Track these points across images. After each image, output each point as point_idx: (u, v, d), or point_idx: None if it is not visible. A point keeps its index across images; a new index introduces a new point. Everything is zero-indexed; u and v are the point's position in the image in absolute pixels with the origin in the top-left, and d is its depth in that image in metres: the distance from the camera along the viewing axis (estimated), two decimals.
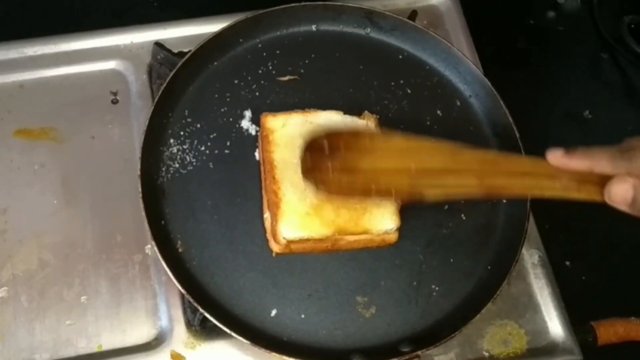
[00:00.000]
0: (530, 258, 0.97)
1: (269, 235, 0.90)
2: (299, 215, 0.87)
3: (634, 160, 0.66)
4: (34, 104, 1.02)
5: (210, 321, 0.83)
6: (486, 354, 0.91)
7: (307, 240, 0.87)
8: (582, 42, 1.25)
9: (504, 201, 0.95)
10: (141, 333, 0.90)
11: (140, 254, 0.93)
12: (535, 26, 1.25)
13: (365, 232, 0.88)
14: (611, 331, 0.93)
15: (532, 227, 0.99)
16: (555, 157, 0.71)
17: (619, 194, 0.67)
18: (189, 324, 0.90)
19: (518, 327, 0.93)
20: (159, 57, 1.03)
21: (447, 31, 1.12)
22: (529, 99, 1.18)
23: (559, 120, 1.18)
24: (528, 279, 0.96)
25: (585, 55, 1.25)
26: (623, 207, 0.68)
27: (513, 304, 0.94)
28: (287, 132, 0.92)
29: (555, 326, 0.94)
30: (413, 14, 1.10)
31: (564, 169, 0.72)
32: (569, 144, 1.14)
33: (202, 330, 0.89)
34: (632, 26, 1.22)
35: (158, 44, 1.04)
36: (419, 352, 0.84)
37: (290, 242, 0.87)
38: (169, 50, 1.03)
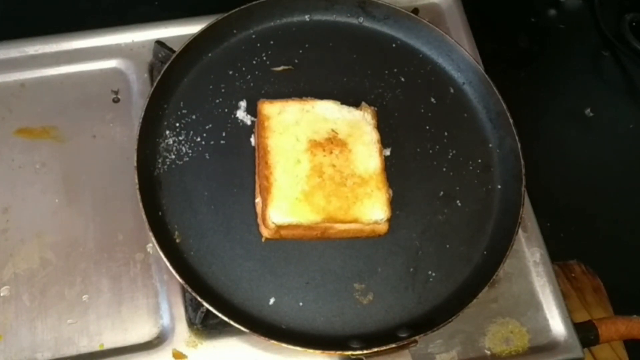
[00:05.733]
0: (532, 256, 0.97)
1: (259, 220, 0.90)
2: (288, 201, 0.87)
3: None
4: (35, 103, 1.02)
5: (212, 319, 0.83)
6: (488, 352, 0.91)
7: (297, 226, 0.87)
8: (583, 40, 1.25)
9: (499, 187, 0.95)
10: (143, 332, 0.90)
11: (142, 253, 0.93)
12: (537, 24, 1.25)
13: (355, 221, 0.88)
14: (613, 329, 0.93)
15: (533, 225, 0.99)
16: None
17: None
18: (190, 323, 0.90)
19: (520, 325, 0.93)
20: (160, 55, 1.03)
21: (448, 29, 1.11)
22: (530, 97, 1.18)
23: (560, 118, 1.18)
24: (530, 277, 0.96)
25: (586, 53, 1.25)
26: None
27: (515, 302, 0.94)
28: (283, 119, 0.92)
29: (556, 324, 0.94)
30: (415, 12, 1.09)
31: None
32: (570, 142, 1.16)
33: (204, 328, 0.89)
34: (633, 24, 1.22)
35: (159, 43, 1.04)
36: (417, 338, 0.84)
37: (279, 227, 0.87)
38: (170, 49, 1.03)
